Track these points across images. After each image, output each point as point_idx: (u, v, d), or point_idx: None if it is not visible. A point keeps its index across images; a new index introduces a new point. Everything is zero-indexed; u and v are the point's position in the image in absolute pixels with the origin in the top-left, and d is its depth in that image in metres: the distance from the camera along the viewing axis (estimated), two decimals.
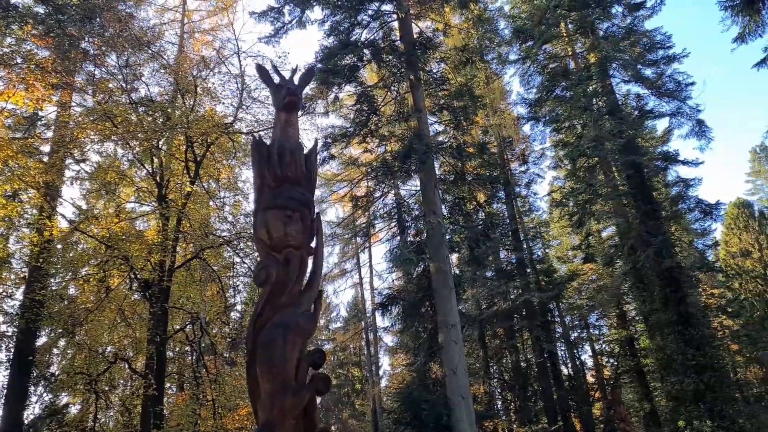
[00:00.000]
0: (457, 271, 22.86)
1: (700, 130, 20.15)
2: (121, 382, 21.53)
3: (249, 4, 67.74)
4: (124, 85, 18.09)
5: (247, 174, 36.19)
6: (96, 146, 18.36)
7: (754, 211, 36.32)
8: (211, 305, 19.16)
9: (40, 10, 16.76)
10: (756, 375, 31.24)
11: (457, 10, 20.85)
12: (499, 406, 29.80)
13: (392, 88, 19.60)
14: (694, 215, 21.10)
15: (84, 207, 19.05)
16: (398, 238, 21.16)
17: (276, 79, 6.92)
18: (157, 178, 18.15)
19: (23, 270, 18.11)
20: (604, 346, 32.04)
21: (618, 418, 20.13)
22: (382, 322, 32.20)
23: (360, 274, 35.55)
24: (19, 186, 16.27)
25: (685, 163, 20.17)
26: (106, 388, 18.72)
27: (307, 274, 5.80)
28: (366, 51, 18.63)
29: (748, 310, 28.57)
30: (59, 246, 18.09)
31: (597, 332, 32.41)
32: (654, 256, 18.29)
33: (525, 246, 29.39)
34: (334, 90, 19.25)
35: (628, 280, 21.96)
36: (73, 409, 20.78)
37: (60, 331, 17.47)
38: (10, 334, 17.37)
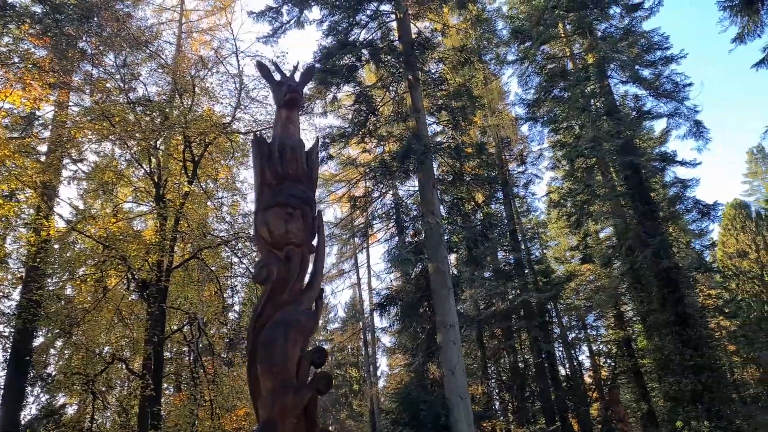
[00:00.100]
0: (455, 272, 22.85)
1: (698, 130, 20.18)
2: (119, 382, 21.47)
3: (247, 4, 67.68)
4: (121, 84, 18.05)
5: (245, 174, 36.08)
6: (93, 146, 18.36)
7: (751, 212, 36.41)
8: (209, 305, 19.13)
9: (38, 9, 16.72)
10: (753, 375, 31.29)
11: (456, 11, 20.86)
12: (497, 406, 29.81)
13: (390, 88, 19.59)
14: (691, 216, 21.14)
15: (81, 207, 19.01)
16: (396, 238, 21.14)
17: (277, 76, 6.88)
18: (155, 177, 18.10)
19: (20, 270, 18.05)
20: (601, 346, 32.07)
21: (616, 419, 20.13)
22: (380, 322, 32.31)
23: (358, 275, 35.54)
24: (16, 186, 16.21)
25: (682, 163, 20.22)
26: (104, 389, 18.67)
27: (309, 273, 5.77)
28: (364, 51, 18.62)
29: (745, 311, 28.63)
30: (56, 246, 18.02)
31: (594, 333, 32.45)
32: (652, 256, 18.31)
33: (523, 246, 29.40)
34: (332, 90, 19.23)
35: (626, 280, 21.99)
36: (70, 410, 20.75)
37: (57, 331, 17.40)
38: (6, 334, 17.33)
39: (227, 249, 19.34)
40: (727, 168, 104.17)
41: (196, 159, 18.66)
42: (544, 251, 34.23)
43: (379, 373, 36.49)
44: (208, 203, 20.16)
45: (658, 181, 22.38)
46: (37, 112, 17.95)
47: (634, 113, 21.70)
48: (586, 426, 26.05)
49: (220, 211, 20.25)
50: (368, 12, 19.30)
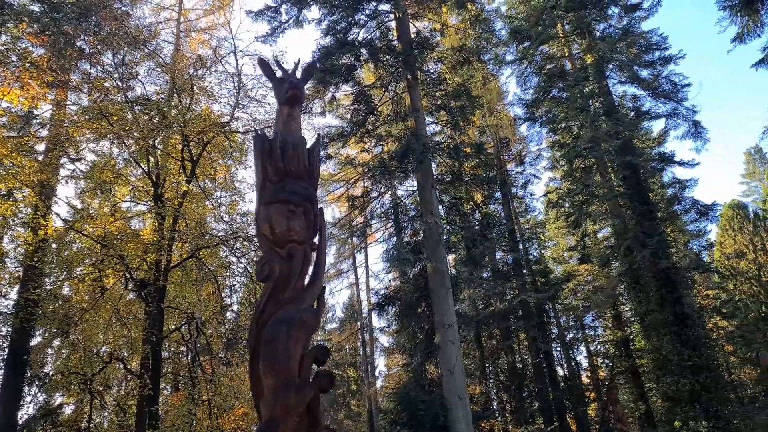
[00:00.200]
0: (454, 272, 22.85)
1: (696, 131, 20.20)
2: (116, 382, 21.41)
3: (246, 3, 67.57)
4: (119, 83, 18.02)
5: (244, 173, 36.10)
6: (91, 145, 18.29)
7: (749, 213, 36.47)
8: (207, 305, 19.09)
9: (36, 8, 16.68)
10: (750, 376, 31.34)
11: (454, 11, 20.85)
12: (495, 406, 29.81)
13: (389, 87, 19.58)
14: (689, 216, 21.18)
15: (79, 206, 18.94)
16: (395, 238, 21.13)
17: (278, 73, 6.85)
18: (153, 177, 18.07)
19: (18, 269, 17.98)
20: (599, 346, 32.12)
21: (615, 418, 20.12)
22: (378, 322, 32.26)
23: (356, 275, 35.51)
24: (14, 185, 16.17)
25: (681, 164, 20.25)
26: (101, 388, 18.61)
27: (310, 270, 5.74)
28: (363, 50, 18.59)
29: (742, 312, 28.69)
30: (54, 245, 17.96)
31: (592, 333, 32.49)
32: (650, 256, 18.32)
33: (521, 247, 29.41)
34: (331, 89, 19.20)
35: (624, 280, 21.99)
36: (68, 410, 20.66)
37: (55, 330, 17.36)
38: (4, 333, 17.23)
39: (225, 248, 19.31)
40: (727, 168, 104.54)
41: (195, 158, 18.63)
42: (543, 251, 34.27)
43: (377, 373, 36.51)
44: (207, 203, 20.13)
45: (657, 181, 22.40)
46: (35, 111, 17.88)
47: (632, 113, 21.72)
48: (584, 426, 26.09)
49: (218, 211, 20.23)
50: (367, 11, 19.28)
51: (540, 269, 29.53)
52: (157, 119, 17.86)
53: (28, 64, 15.07)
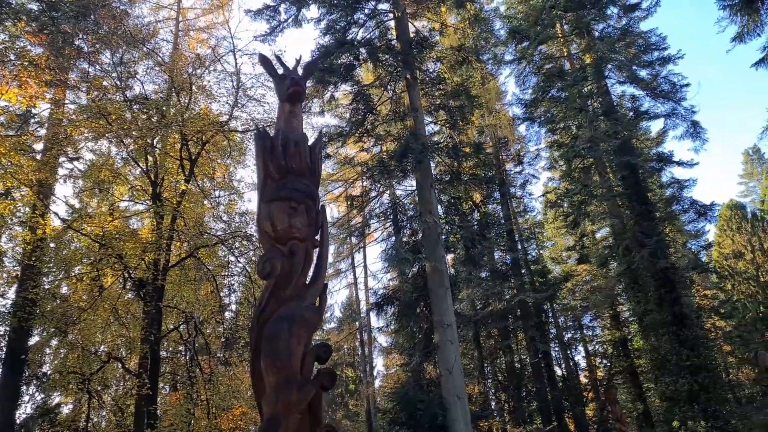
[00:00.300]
0: (453, 271, 22.85)
1: (695, 131, 20.23)
2: (114, 381, 21.38)
3: (245, 2, 67.56)
4: (118, 82, 17.97)
5: (242, 173, 36.09)
6: (90, 144, 18.23)
7: (747, 213, 36.50)
8: (206, 305, 19.07)
9: (34, 6, 16.65)
10: (748, 376, 31.40)
11: (453, 10, 20.84)
12: (493, 406, 29.82)
13: (388, 87, 19.57)
14: (688, 216, 21.21)
15: (77, 205, 18.90)
16: (393, 238, 21.13)
17: (280, 69, 6.80)
18: (152, 176, 18.03)
19: (16, 268, 17.93)
20: (597, 347, 32.15)
21: (614, 418, 20.15)
22: (376, 322, 32.21)
23: (354, 275, 35.51)
24: (12, 184, 16.12)
25: (679, 164, 20.28)
26: (99, 388, 18.56)
27: (312, 267, 5.71)
28: (362, 50, 18.58)
29: (740, 312, 28.72)
30: (52, 244, 17.93)
31: (590, 333, 32.53)
32: (649, 256, 18.33)
33: (520, 247, 29.42)
34: (330, 89, 19.20)
35: (623, 280, 22.02)
36: (66, 409, 20.63)
37: (53, 330, 17.31)
38: (2, 332, 17.18)
39: (224, 248, 19.28)
40: (726, 168, 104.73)
41: (193, 157, 18.60)
42: (541, 251, 34.31)
43: (375, 373, 36.49)
44: (205, 202, 20.09)
45: (655, 181, 22.43)
46: (33, 110, 17.82)
47: (631, 113, 21.74)
48: (582, 426, 26.11)
49: (216, 210, 20.19)
50: (366, 11, 19.28)
51: (538, 269, 29.55)
52: (155, 118, 17.82)
53: (26, 63, 15.03)
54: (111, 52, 17.86)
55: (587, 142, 19.93)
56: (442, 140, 20.88)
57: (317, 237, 5.85)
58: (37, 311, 16.24)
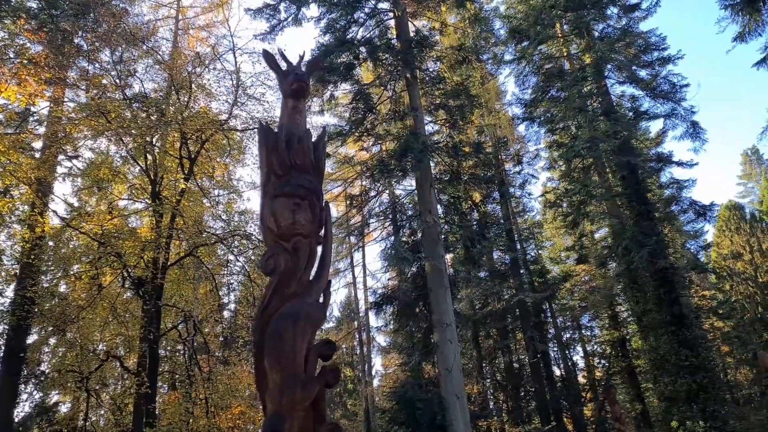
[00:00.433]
0: (452, 271, 22.84)
1: (695, 131, 20.22)
2: (113, 380, 21.36)
3: (245, 1, 67.39)
4: (117, 80, 17.95)
5: (241, 172, 36.01)
6: (89, 142, 18.21)
7: (746, 214, 36.54)
8: (205, 303, 19.06)
9: (33, 4, 16.64)
10: (746, 376, 31.44)
11: (453, 10, 20.85)
12: (491, 406, 29.82)
13: (388, 86, 19.56)
14: (687, 216, 21.20)
15: (76, 204, 18.89)
16: (392, 237, 21.11)
17: (283, 65, 6.78)
18: (151, 174, 18.02)
19: (14, 267, 17.91)
20: (595, 347, 32.14)
21: (613, 418, 20.18)
22: (375, 321, 32.21)
23: (353, 274, 35.49)
24: (11, 182, 16.09)
25: (679, 164, 20.27)
26: (98, 387, 18.55)
27: (316, 264, 5.68)
28: (362, 49, 18.56)
29: (738, 312, 28.74)
30: (51, 243, 17.91)
31: (589, 333, 32.51)
32: (648, 256, 18.32)
33: (519, 246, 29.41)
34: (329, 88, 19.20)
35: (622, 280, 22.01)
36: (64, 408, 20.63)
37: (51, 328, 17.29)
38: (0, 331, 17.17)
39: (223, 247, 19.27)
40: (726, 168, 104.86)
41: (193, 156, 18.58)
42: (540, 251, 34.29)
43: (373, 373, 36.47)
44: (204, 201, 20.08)
45: (655, 181, 22.41)
46: (32, 108, 17.80)
47: (630, 114, 21.70)
48: (580, 426, 26.10)
49: (216, 209, 20.18)
50: (366, 10, 19.26)
51: (537, 269, 29.54)
52: (155, 117, 17.81)
53: (25, 61, 15.00)
54: (110, 50, 17.85)
55: (587, 142, 19.92)
56: (441, 140, 20.88)
57: (321, 233, 5.82)
58: (36, 310, 16.23)
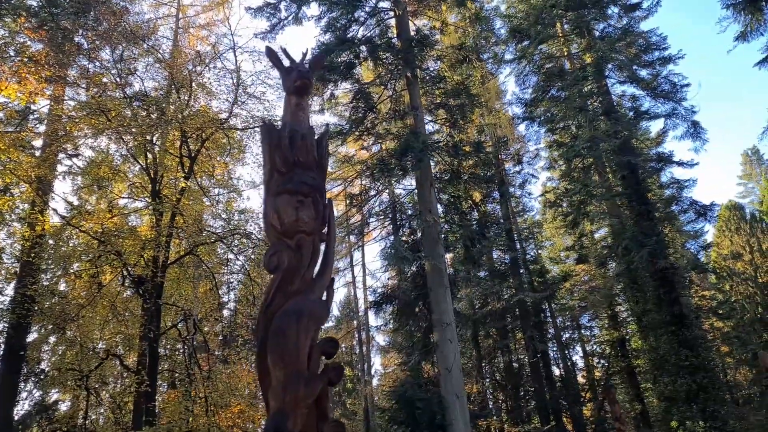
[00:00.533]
0: (452, 270, 22.84)
1: (695, 131, 20.22)
2: (113, 378, 21.35)
3: (245, 0, 67.31)
4: (118, 79, 17.96)
5: (242, 171, 35.94)
6: (89, 141, 18.22)
7: (746, 214, 36.52)
8: (204, 302, 19.05)
9: (34, 2, 16.63)
10: (746, 377, 31.43)
11: (454, 9, 20.86)
12: (491, 405, 29.83)
13: (388, 85, 19.55)
14: (687, 216, 21.19)
15: (76, 202, 18.89)
16: (392, 236, 21.11)
17: (286, 62, 6.76)
18: (151, 173, 18.01)
19: (14, 265, 17.92)
20: (595, 347, 32.14)
21: (613, 417, 20.17)
22: (375, 321, 32.20)
23: (353, 273, 35.47)
24: (11, 180, 16.11)
25: (679, 164, 20.26)
26: (98, 385, 18.57)
27: (319, 261, 5.67)
28: (362, 48, 18.56)
29: (738, 313, 28.74)
30: (51, 241, 17.90)
31: (588, 333, 32.51)
32: (648, 256, 18.31)
33: (518, 246, 29.41)
34: (330, 87, 19.20)
35: (622, 280, 22.01)
36: (64, 406, 20.63)
37: (51, 326, 17.30)
38: (0, 329, 17.17)
39: (223, 245, 19.26)
40: (726, 168, 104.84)
41: (193, 155, 18.58)
42: (540, 251, 34.28)
43: (373, 372, 36.48)
44: (204, 199, 20.07)
45: (655, 181, 22.39)
46: (33, 106, 17.81)
47: (631, 113, 21.69)
48: (579, 425, 26.10)
49: (216, 208, 20.18)
50: (367, 9, 19.26)
51: (537, 269, 29.53)
52: (155, 115, 17.80)
53: (26, 59, 15.01)
54: (111, 48, 17.85)
55: (587, 142, 19.91)
56: (442, 139, 20.87)
57: (324, 231, 5.80)
58: (36, 308, 16.23)
